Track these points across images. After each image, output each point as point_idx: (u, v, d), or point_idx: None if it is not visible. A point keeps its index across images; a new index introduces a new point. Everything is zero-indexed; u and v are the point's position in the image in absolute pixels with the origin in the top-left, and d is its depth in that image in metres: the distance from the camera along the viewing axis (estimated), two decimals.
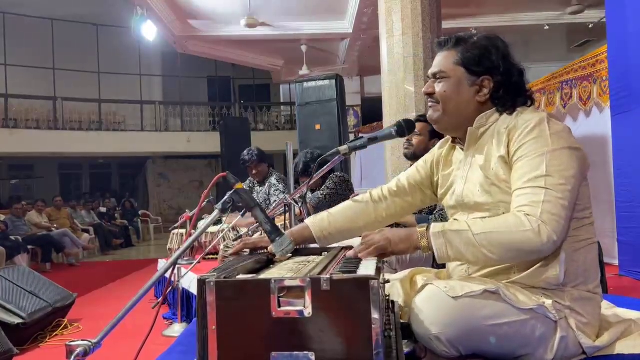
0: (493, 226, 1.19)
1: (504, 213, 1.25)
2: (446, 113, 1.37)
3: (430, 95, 1.40)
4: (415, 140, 2.78)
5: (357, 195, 1.59)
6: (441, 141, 1.57)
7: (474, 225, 1.21)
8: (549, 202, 1.17)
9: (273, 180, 4.29)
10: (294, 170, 3.74)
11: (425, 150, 2.83)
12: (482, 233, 1.19)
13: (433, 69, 1.40)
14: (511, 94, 1.34)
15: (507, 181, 1.27)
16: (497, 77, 1.33)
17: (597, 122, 4.48)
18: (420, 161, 1.61)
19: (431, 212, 2.58)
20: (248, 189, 4.27)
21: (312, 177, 1.79)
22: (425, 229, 1.24)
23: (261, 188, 4.37)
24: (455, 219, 1.41)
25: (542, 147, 1.22)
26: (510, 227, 1.17)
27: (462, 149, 1.43)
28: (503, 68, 1.33)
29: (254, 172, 4.32)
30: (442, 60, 1.38)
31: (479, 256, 1.20)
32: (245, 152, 4.33)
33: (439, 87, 1.37)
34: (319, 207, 3.60)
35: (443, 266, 1.56)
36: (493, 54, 1.33)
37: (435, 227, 1.23)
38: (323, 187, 3.66)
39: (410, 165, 2.93)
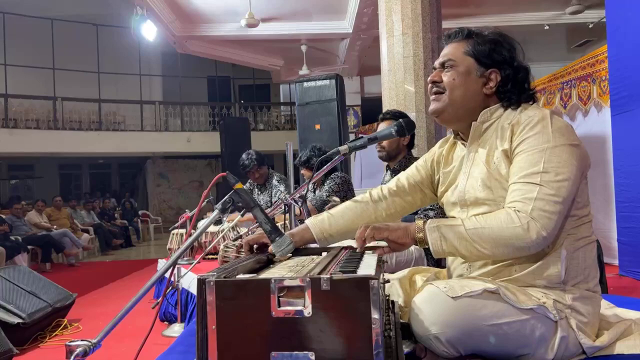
0: (485, 222, 1.21)
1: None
2: (451, 102, 1.37)
3: (436, 83, 1.39)
4: (385, 142, 2.80)
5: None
6: (441, 140, 1.57)
7: (467, 221, 1.23)
8: (541, 199, 1.18)
9: (274, 181, 4.30)
10: (298, 159, 3.79)
11: (397, 147, 2.86)
12: (474, 228, 1.21)
13: (441, 58, 1.40)
14: (517, 89, 1.36)
15: (508, 176, 1.28)
16: (505, 71, 1.35)
17: (596, 122, 4.49)
18: (420, 160, 1.61)
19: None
20: (249, 190, 4.28)
21: (312, 177, 1.80)
22: (422, 222, 1.26)
23: (262, 194, 4.37)
24: (452, 217, 1.42)
25: (543, 143, 1.23)
26: (501, 223, 1.19)
27: (464, 145, 1.43)
28: (511, 63, 1.35)
29: (255, 176, 4.32)
30: (452, 49, 1.39)
31: (472, 251, 1.22)
32: (244, 156, 4.29)
33: (446, 76, 1.37)
34: (321, 209, 3.61)
35: (442, 265, 1.56)
36: (503, 49, 1.36)
37: (432, 221, 1.26)
38: (326, 188, 3.66)
39: (387, 167, 2.97)
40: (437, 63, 1.42)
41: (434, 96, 1.40)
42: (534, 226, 1.16)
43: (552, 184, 1.19)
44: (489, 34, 1.38)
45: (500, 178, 1.29)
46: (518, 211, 1.18)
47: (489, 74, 1.36)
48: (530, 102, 1.38)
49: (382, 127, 2.84)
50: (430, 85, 1.42)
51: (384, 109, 5.17)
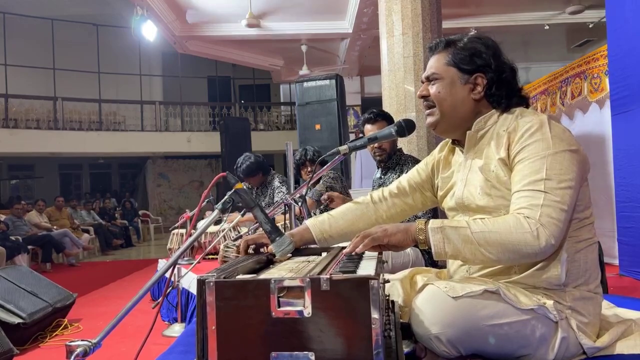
0: (492, 226, 1.19)
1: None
2: (443, 114, 1.38)
3: (424, 97, 1.41)
4: (385, 143, 2.79)
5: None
6: (441, 144, 1.58)
7: (473, 224, 1.21)
8: (548, 206, 1.17)
9: (276, 182, 4.26)
10: (300, 158, 3.83)
11: (395, 146, 2.87)
12: (481, 232, 1.19)
13: (426, 72, 1.41)
14: (504, 90, 1.35)
15: (507, 183, 1.28)
16: (490, 74, 1.35)
17: (596, 122, 4.49)
18: (421, 163, 1.62)
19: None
20: (248, 189, 4.23)
21: (312, 177, 1.80)
22: (424, 223, 1.24)
23: (262, 195, 4.34)
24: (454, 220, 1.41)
25: (544, 150, 1.22)
26: (510, 228, 1.17)
27: (462, 151, 1.43)
28: (494, 65, 1.35)
29: (249, 185, 4.28)
30: (434, 62, 1.40)
31: (477, 254, 1.20)
32: (240, 160, 4.17)
33: (432, 89, 1.39)
34: (318, 199, 3.63)
35: (442, 266, 1.56)
36: (483, 52, 1.35)
37: (434, 222, 1.24)
38: (321, 182, 3.71)
39: (377, 164, 2.98)
40: (423, 77, 1.43)
41: (427, 111, 1.42)
42: (543, 233, 1.15)
43: (557, 191, 1.18)
44: (468, 40, 1.38)
45: (500, 186, 1.29)
46: (527, 217, 1.17)
47: (474, 80, 1.35)
48: (524, 106, 1.37)
49: (373, 130, 2.83)
50: (421, 100, 1.43)
51: (384, 109, 5.17)
